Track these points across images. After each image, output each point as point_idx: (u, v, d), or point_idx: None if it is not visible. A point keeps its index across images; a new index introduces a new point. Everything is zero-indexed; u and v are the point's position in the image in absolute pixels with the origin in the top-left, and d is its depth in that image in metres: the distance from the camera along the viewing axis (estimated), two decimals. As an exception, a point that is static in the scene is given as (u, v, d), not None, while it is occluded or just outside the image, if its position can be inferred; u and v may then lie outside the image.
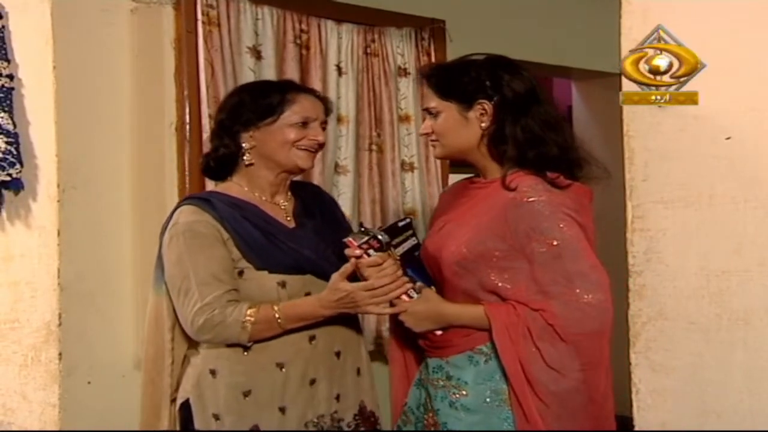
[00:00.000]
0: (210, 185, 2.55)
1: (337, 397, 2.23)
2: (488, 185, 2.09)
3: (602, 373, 1.97)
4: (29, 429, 2.80)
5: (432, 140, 2.15)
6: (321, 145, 2.25)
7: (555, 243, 1.95)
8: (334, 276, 2.06)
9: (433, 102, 2.11)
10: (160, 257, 2.20)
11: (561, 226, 1.96)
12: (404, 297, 2.07)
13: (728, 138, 1.94)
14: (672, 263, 2.00)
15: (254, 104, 2.19)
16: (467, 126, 2.08)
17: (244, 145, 2.19)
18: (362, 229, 2.13)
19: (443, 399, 2.08)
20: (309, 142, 2.21)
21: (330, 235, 2.25)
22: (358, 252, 2.04)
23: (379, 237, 2.07)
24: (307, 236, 2.22)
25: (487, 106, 2.05)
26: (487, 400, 2.02)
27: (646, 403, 2.02)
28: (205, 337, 2.10)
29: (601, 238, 2.04)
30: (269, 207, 2.23)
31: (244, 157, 2.20)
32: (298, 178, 2.37)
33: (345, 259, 2.13)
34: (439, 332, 2.08)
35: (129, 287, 2.93)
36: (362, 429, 2.27)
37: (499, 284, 2.00)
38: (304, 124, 2.19)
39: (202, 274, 2.09)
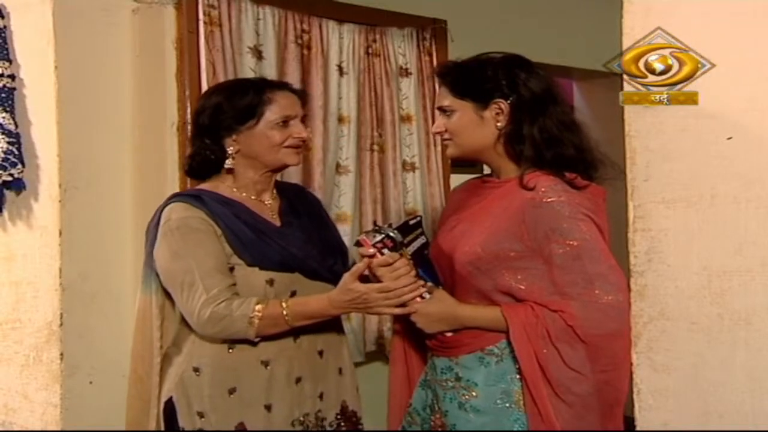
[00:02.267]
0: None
1: (321, 396, 2.25)
2: (503, 185, 2.08)
3: (626, 373, 1.96)
4: (31, 429, 2.81)
5: (445, 139, 2.13)
6: (304, 141, 2.26)
7: (575, 244, 1.94)
8: (346, 276, 2.06)
9: (448, 100, 2.09)
10: (149, 255, 2.21)
11: (580, 226, 1.95)
12: (416, 298, 2.06)
13: (730, 138, 1.94)
14: (674, 263, 1.99)
15: (232, 107, 2.19)
16: (482, 125, 2.07)
17: (229, 149, 2.20)
18: (375, 227, 2.11)
19: (452, 400, 2.07)
20: (293, 140, 2.22)
21: (315, 234, 2.26)
22: (371, 251, 2.03)
23: (392, 235, 2.06)
24: (295, 235, 2.23)
25: (504, 105, 2.04)
26: (498, 401, 2.02)
27: (647, 403, 2.02)
28: (213, 331, 2.10)
29: (603, 239, 2.04)
30: (256, 205, 2.24)
31: (227, 162, 2.21)
32: (295, 179, 2.37)
33: (330, 257, 2.13)
34: (449, 334, 2.07)
35: (130, 287, 2.93)
36: (344, 428, 2.28)
37: (514, 284, 1.99)
38: (285, 122, 2.20)
39: (204, 266, 2.10)
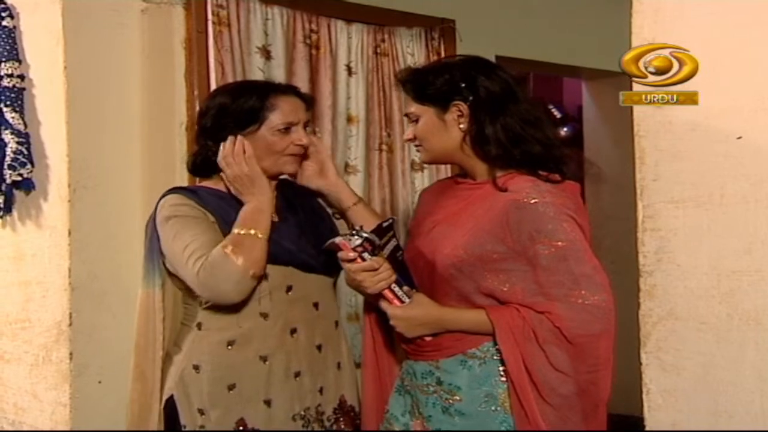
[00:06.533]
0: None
1: (320, 390, 2.27)
2: (481, 186, 2.07)
3: (609, 373, 1.96)
4: (40, 428, 2.82)
5: (416, 146, 2.15)
6: (306, 148, 2.27)
7: (560, 245, 1.94)
8: None
9: (412, 107, 2.11)
10: (149, 250, 2.24)
11: (565, 227, 1.95)
12: (396, 302, 2.05)
13: (739, 137, 1.94)
14: (683, 263, 1.99)
15: (235, 110, 2.20)
16: (446, 129, 2.07)
17: None
18: (352, 230, 2.08)
19: (435, 404, 2.06)
20: (294, 148, 2.23)
21: (310, 228, 2.29)
22: (352, 255, 2.01)
23: (369, 237, 2.03)
24: (290, 229, 2.25)
25: (463, 107, 2.04)
26: (483, 404, 2.01)
27: (656, 403, 2.01)
28: (209, 283, 2.11)
29: (611, 238, 2.03)
30: None
31: None
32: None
33: (323, 251, 2.13)
34: (429, 338, 2.06)
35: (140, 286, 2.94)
36: (342, 422, 2.30)
37: (496, 286, 1.98)
38: (287, 129, 2.20)
39: (200, 239, 2.13)
